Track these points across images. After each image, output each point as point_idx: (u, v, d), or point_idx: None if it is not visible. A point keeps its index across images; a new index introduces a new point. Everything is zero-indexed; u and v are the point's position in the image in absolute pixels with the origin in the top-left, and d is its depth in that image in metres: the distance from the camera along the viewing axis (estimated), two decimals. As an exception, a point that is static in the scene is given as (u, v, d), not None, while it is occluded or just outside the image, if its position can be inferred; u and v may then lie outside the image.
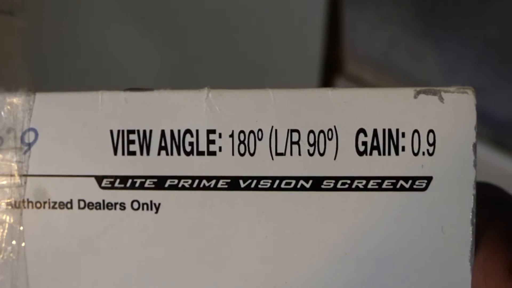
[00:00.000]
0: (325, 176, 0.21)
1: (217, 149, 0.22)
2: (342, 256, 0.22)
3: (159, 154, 0.22)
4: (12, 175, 0.22)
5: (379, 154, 0.21)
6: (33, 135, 0.22)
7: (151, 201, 0.22)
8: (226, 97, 0.22)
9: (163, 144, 0.22)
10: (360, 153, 0.21)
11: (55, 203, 0.22)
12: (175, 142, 0.22)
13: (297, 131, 0.21)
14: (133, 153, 0.22)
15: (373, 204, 0.21)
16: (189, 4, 0.62)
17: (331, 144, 0.21)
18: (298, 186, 0.22)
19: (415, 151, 0.21)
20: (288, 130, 0.21)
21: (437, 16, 0.55)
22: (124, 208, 0.22)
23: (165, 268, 0.22)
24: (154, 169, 0.22)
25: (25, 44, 0.62)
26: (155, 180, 0.22)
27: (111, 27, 0.64)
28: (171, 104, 0.22)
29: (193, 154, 0.22)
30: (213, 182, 0.22)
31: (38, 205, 0.22)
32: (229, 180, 0.22)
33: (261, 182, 0.22)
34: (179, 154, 0.22)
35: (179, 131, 0.22)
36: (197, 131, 0.22)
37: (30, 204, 0.22)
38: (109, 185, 0.22)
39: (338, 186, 0.21)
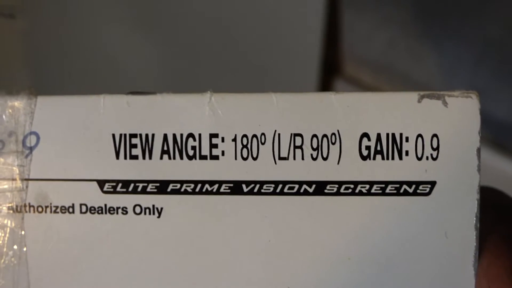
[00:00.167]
0: (328, 181, 0.21)
1: (219, 153, 0.22)
2: (345, 261, 0.22)
3: (161, 158, 0.22)
4: (13, 179, 0.22)
5: (383, 158, 0.21)
6: (34, 138, 0.22)
7: (153, 206, 0.22)
8: (229, 101, 0.22)
9: (165, 148, 0.22)
10: (364, 158, 0.21)
11: (56, 207, 0.22)
12: (178, 146, 0.22)
13: (300, 135, 0.21)
14: (135, 157, 0.22)
15: (376, 208, 0.21)
16: (189, 7, 0.62)
17: (334, 149, 0.21)
18: (301, 190, 0.21)
19: (419, 155, 0.21)
20: (291, 134, 0.21)
21: (437, 17, 0.55)
22: (126, 212, 0.22)
23: (167, 273, 0.22)
24: (156, 173, 0.22)
25: (26, 46, 0.62)
26: (158, 184, 0.22)
27: (112, 30, 0.64)
28: (174, 108, 0.22)
29: (195, 158, 0.22)
30: (216, 186, 0.22)
31: (40, 209, 0.22)
32: (231, 185, 0.22)
33: (264, 187, 0.22)
34: (181, 158, 0.22)
35: (181, 135, 0.22)
36: (199, 135, 0.22)
37: (32, 208, 0.22)
38: (111, 189, 0.22)
39: (342, 190, 0.21)
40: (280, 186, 0.21)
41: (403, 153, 0.21)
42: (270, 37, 0.61)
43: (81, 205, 0.22)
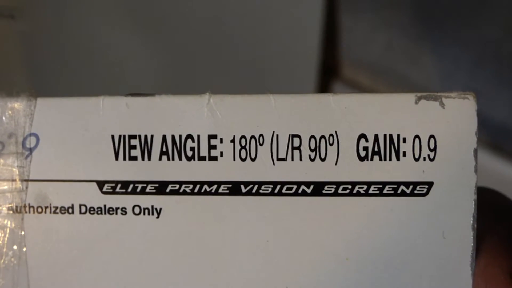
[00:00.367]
0: (326, 181, 0.22)
1: (218, 154, 0.22)
2: (342, 261, 0.22)
3: (160, 159, 0.22)
4: (13, 180, 0.22)
5: (380, 159, 0.21)
6: (34, 140, 0.22)
7: (152, 206, 0.22)
8: (227, 102, 0.22)
9: (164, 149, 0.22)
10: (361, 158, 0.21)
11: (56, 208, 0.22)
12: (177, 147, 0.22)
13: (298, 136, 0.22)
14: (134, 158, 0.22)
15: (374, 209, 0.21)
16: (188, 8, 0.62)
17: (332, 149, 0.21)
18: (299, 191, 0.22)
19: (416, 156, 0.21)
20: (289, 135, 0.22)
21: (434, 19, 0.55)
22: (126, 213, 0.22)
23: (166, 273, 0.22)
24: (155, 174, 0.22)
25: (25, 47, 0.62)
26: (157, 185, 0.22)
27: (111, 31, 0.64)
28: (173, 109, 0.22)
29: (194, 159, 0.22)
30: (215, 187, 0.22)
31: (39, 210, 0.22)
32: (230, 185, 0.22)
33: (262, 187, 0.22)
34: (180, 159, 0.22)
35: (180, 136, 0.22)
36: (198, 136, 0.22)
37: (31, 209, 0.22)
38: (111, 190, 0.22)
39: (339, 191, 0.21)
40: (279, 186, 0.22)
41: (401, 154, 0.21)
42: (269, 40, 0.61)
43: (80, 205, 0.22)
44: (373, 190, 0.21)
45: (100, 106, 0.22)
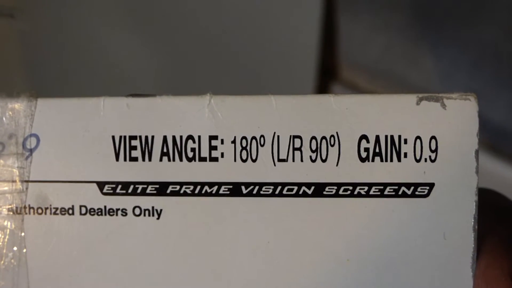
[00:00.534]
0: (327, 183, 0.21)
1: (219, 155, 0.22)
2: (343, 263, 0.22)
3: (161, 160, 0.22)
4: (13, 181, 0.22)
5: (381, 160, 0.21)
6: (34, 140, 0.22)
7: (153, 207, 0.22)
8: (228, 103, 0.22)
9: (165, 150, 0.22)
10: (362, 160, 0.21)
11: (56, 209, 0.22)
12: (177, 148, 0.22)
13: (299, 137, 0.21)
14: (135, 159, 0.22)
15: (375, 210, 0.21)
16: (188, 10, 0.62)
17: (333, 150, 0.21)
18: (300, 192, 0.22)
19: (417, 157, 0.21)
20: (290, 136, 0.22)
21: (433, 21, 0.55)
22: (126, 214, 0.22)
23: (167, 274, 0.22)
24: (156, 175, 0.22)
25: (25, 46, 0.62)
26: (157, 186, 0.22)
27: (112, 32, 0.64)
28: (173, 110, 0.22)
29: (195, 160, 0.22)
30: (215, 188, 0.22)
31: (40, 211, 0.22)
32: (231, 186, 0.22)
33: (263, 188, 0.22)
34: (181, 160, 0.22)
35: (181, 137, 0.22)
36: (199, 137, 0.22)
37: (32, 210, 0.22)
38: (111, 191, 0.22)
39: (340, 192, 0.21)
40: (279, 187, 0.22)
41: (402, 155, 0.21)
42: (267, 41, 0.61)
43: (80, 206, 0.22)
44: (374, 191, 0.21)
45: (100, 106, 0.22)
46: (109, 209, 0.22)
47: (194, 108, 0.22)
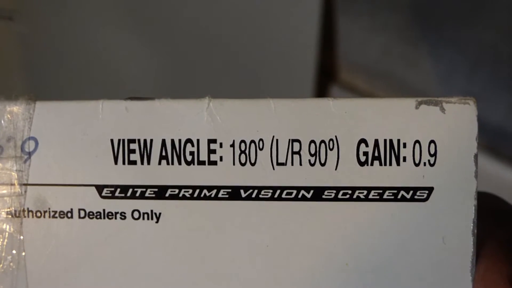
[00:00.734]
0: (326, 186, 0.21)
1: (218, 159, 0.22)
2: (342, 267, 0.22)
3: (159, 163, 0.22)
4: (12, 184, 0.22)
5: (380, 164, 0.21)
6: (33, 144, 0.22)
7: (151, 211, 0.22)
8: (227, 107, 0.22)
9: (163, 153, 0.22)
10: (361, 163, 0.21)
11: (55, 212, 0.22)
12: (176, 152, 0.22)
13: (298, 141, 0.21)
14: (133, 163, 0.22)
15: (374, 214, 0.21)
16: (186, 12, 0.62)
17: (332, 154, 0.21)
18: (299, 196, 0.22)
19: (416, 161, 0.21)
20: (289, 140, 0.21)
21: (432, 23, 0.55)
22: (125, 217, 0.22)
23: (166, 278, 0.22)
24: (154, 179, 0.22)
25: (24, 48, 0.62)
26: (156, 189, 0.22)
27: (111, 34, 0.64)
28: (172, 113, 0.22)
29: (194, 164, 0.22)
30: (214, 191, 0.22)
31: (38, 214, 0.22)
32: (230, 190, 0.22)
33: (262, 192, 0.22)
34: (179, 163, 0.22)
35: (180, 140, 0.22)
36: (198, 140, 0.22)
37: (30, 213, 0.22)
38: (110, 195, 0.22)
39: (339, 196, 0.21)
40: (278, 191, 0.22)
41: (401, 159, 0.21)
42: (266, 43, 0.61)
43: (79, 210, 0.22)
44: (373, 195, 0.21)
45: (99, 110, 0.22)
46: (108, 213, 0.22)
47: (192, 112, 0.22)
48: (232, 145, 0.22)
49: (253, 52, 0.62)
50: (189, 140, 0.22)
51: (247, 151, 0.22)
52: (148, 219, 0.22)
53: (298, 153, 0.21)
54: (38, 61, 0.64)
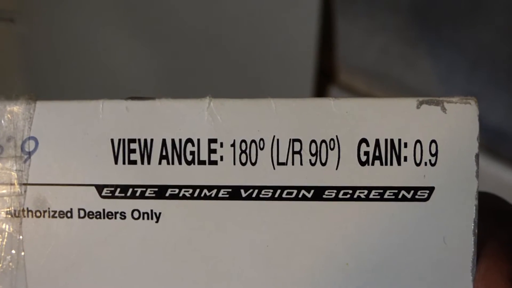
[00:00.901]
0: (326, 186, 0.21)
1: (218, 159, 0.22)
2: (343, 266, 0.22)
3: (160, 163, 0.22)
4: (12, 184, 0.22)
5: (381, 164, 0.21)
6: (33, 143, 0.22)
7: (151, 210, 0.22)
8: (228, 106, 0.22)
9: (164, 153, 0.22)
10: (362, 163, 0.21)
11: (55, 212, 0.22)
12: (176, 151, 0.22)
13: (299, 140, 0.21)
14: (134, 162, 0.22)
15: (374, 214, 0.21)
16: (186, 14, 0.62)
17: (333, 154, 0.21)
18: (300, 195, 0.21)
19: (417, 161, 0.21)
20: (290, 139, 0.21)
21: (431, 23, 0.55)
22: (125, 217, 0.22)
23: (165, 277, 0.22)
24: (155, 178, 0.22)
25: (25, 50, 0.62)
26: (156, 189, 0.22)
27: (111, 35, 0.64)
28: (173, 113, 0.22)
29: (194, 163, 0.22)
30: (214, 191, 0.22)
31: (38, 214, 0.22)
32: (230, 190, 0.22)
33: (263, 192, 0.22)
34: (180, 163, 0.22)
35: (180, 140, 0.22)
36: (198, 140, 0.22)
37: (30, 213, 0.22)
38: (110, 194, 0.22)
39: (340, 196, 0.21)
40: (279, 191, 0.22)
41: (402, 159, 0.21)
42: (265, 44, 0.61)
43: (79, 209, 0.22)
44: (373, 195, 0.21)
45: (99, 109, 0.22)
46: (108, 212, 0.22)
47: (193, 111, 0.22)
48: (233, 145, 0.22)
49: (252, 53, 0.62)
50: (189, 140, 0.22)
51: (247, 151, 0.22)
52: (148, 219, 0.22)
53: (299, 152, 0.21)
54: (39, 62, 0.64)
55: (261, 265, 0.22)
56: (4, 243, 0.22)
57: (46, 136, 0.22)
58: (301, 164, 0.21)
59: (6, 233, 0.22)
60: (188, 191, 0.22)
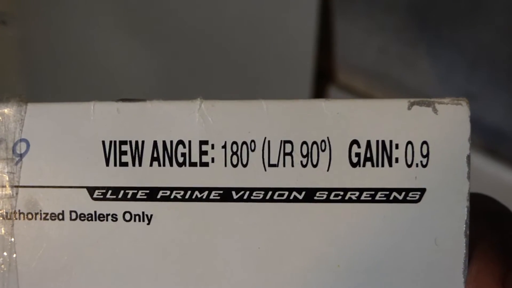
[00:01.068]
0: (318, 188, 0.21)
1: (209, 160, 0.22)
2: (334, 268, 0.22)
3: (151, 165, 0.22)
4: (3, 186, 0.22)
5: (373, 165, 0.21)
6: (24, 145, 0.22)
7: (143, 213, 0.22)
8: (219, 108, 0.22)
9: (155, 155, 0.22)
10: (353, 165, 0.21)
11: (46, 214, 0.22)
12: (168, 153, 0.22)
13: (290, 142, 0.21)
14: (125, 164, 0.22)
15: (366, 216, 0.21)
16: (183, 15, 0.62)
17: (324, 156, 0.21)
18: (291, 197, 0.21)
19: (409, 162, 0.21)
20: (281, 141, 0.21)
21: (429, 23, 0.55)
22: (116, 219, 0.22)
23: (157, 280, 0.22)
24: (146, 180, 0.22)
25: (18, 53, 0.62)
26: (147, 191, 0.22)
27: (105, 37, 0.64)
28: (164, 115, 0.22)
29: (185, 165, 0.22)
30: (206, 193, 0.22)
31: (30, 216, 0.22)
32: (221, 192, 0.22)
33: (254, 194, 0.22)
34: (171, 165, 0.22)
35: (171, 142, 0.22)
36: (189, 142, 0.22)
37: (22, 215, 0.22)
38: (101, 196, 0.22)
39: (331, 197, 0.21)
40: (270, 193, 0.21)
41: (393, 160, 0.21)
42: (264, 45, 0.61)
43: (71, 212, 0.22)
44: (365, 197, 0.21)
45: (91, 111, 0.22)
46: (99, 214, 0.22)
47: (184, 113, 0.22)
48: (224, 147, 0.22)
49: (251, 53, 0.62)
50: (180, 142, 0.22)
51: (238, 153, 0.21)
52: (139, 221, 0.22)
53: (290, 154, 0.21)
54: (35, 64, 0.64)
55: (252, 267, 0.22)
56: (-5, 245, 0.22)
57: (38, 138, 0.22)
58: (292, 165, 0.21)
59: (-2, 236, 0.22)
60: (179, 193, 0.22)
